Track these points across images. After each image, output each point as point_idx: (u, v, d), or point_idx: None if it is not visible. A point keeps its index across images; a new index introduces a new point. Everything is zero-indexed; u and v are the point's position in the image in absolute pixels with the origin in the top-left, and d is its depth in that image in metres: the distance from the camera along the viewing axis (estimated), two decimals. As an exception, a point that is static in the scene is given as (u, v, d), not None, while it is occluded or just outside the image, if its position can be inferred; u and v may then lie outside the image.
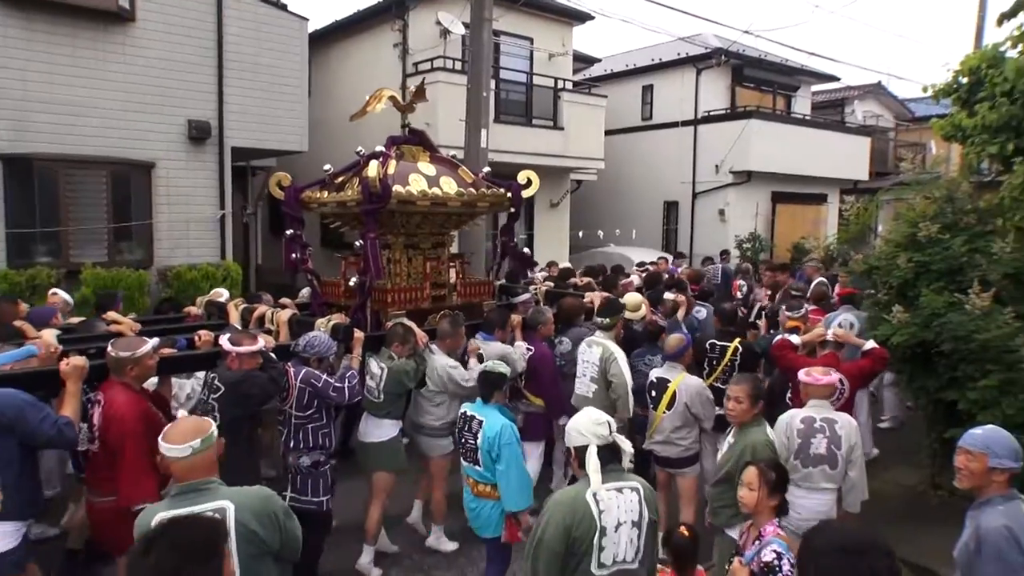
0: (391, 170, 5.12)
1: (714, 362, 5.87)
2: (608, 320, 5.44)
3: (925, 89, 7.32)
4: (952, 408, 5.58)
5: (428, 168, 5.59)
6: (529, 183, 6.05)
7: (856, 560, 2.09)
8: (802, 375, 4.42)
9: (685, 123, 17.83)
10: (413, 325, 5.01)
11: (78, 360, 3.70)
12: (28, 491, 3.44)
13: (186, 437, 2.47)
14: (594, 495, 2.69)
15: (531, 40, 14.49)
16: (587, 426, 2.82)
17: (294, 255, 5.44)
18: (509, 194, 5.93)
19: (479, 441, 4.02)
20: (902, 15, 65.20)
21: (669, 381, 5.06)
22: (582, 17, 15.10)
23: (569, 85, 14.88)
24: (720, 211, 17.24)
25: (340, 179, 5.56)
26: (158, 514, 2.38)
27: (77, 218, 9.23)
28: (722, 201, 17.27)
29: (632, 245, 15.75)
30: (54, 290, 6.56)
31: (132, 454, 3.63)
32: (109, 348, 3.83)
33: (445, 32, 13.08)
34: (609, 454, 2.79)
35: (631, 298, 6.31)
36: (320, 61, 15.78)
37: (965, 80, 6.82)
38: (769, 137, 16.68)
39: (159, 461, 2.56)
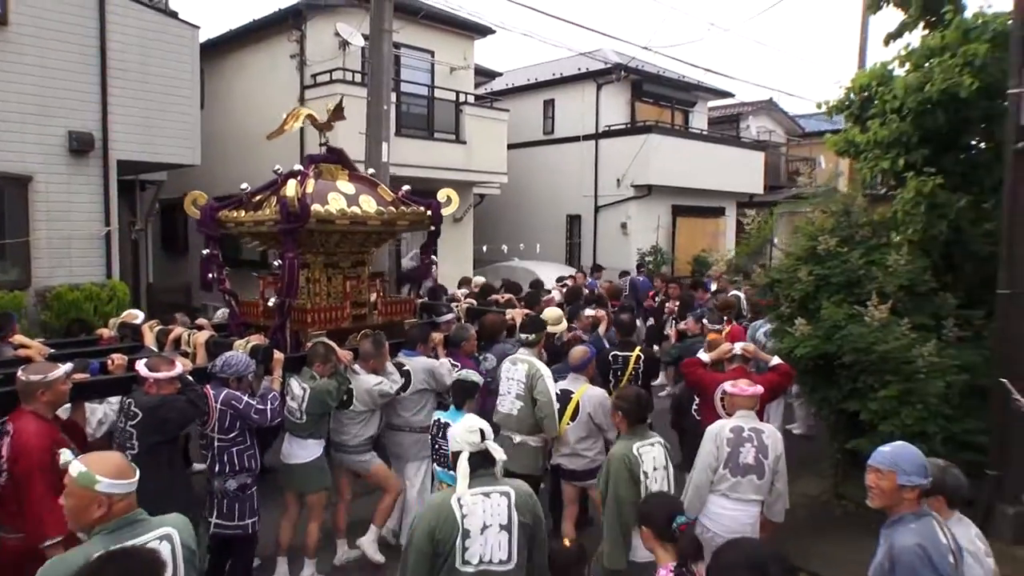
0: (309, 189, 5.06)
1: (618, 372, 5.95)
2: (532, 336, 5.47)
3: (819, 105, 7.68)
4: (854, 418, 5.77)
5: (347, 187, 5.53)
6: (449, 201, 6.07)
7: (759, 574, 2.31)
8: (728, 386, 4.51)
9: (586, 137, 18.19)
10: (334, 345, 5.00)
11: None
12: None
13: (128, 472, 2.41)
14: (458, 499, 2.85)
15: (432, 53, 14.46)
16: (461, 434, 2.97)
17: (211, 275, 5.37)
18: (429, 212, 5.93)
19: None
20: (792, 35, 69.14)
21: (572, 392, 5.09)
22: (483, 31, 15.19)
23: (471, 99, 14.92)
24: (622, 224, 17.64)
25: (257, 198, 5.44)
26: (92, 552, 2.23)
27: (-57, 235, 8.55)
28: (624, 215, 17.68)
29: (536, 259, 15.92)
30: None
31: (41, 488, 3.40)
32: (20, 373, 3.66)
33: (344, 43, 12.89)
34: (480, 460, 2.93)
35: (551, 313, 6.42)
36: (214, 71, 15.23)
37: (856, 97, 7.20)
38: (668, 151, 17.20)
39: (103, 506, 2.35)
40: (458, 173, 14.00)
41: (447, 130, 14.13)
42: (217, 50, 14.86)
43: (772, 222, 9.23)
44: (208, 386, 4.35)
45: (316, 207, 5.02)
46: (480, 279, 11.13)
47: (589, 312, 7.10)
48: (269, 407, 4.41)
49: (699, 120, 20.68)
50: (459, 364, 5.48)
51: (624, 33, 21.23)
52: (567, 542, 3.34)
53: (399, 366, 5.27)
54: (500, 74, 19.23)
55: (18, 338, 5.28)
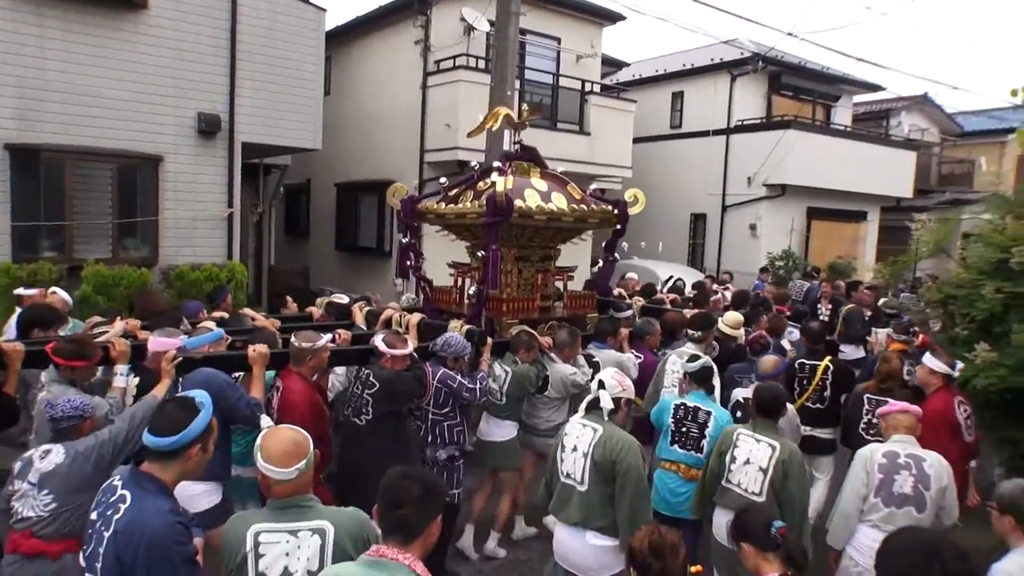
0: (509, 184, 5.29)
1: (804, 382, 5.80)
2: (700, 333, 5.68)
3: (1014, 93, 6.60)
4: None
5: (540, 184, 5.78)
6: (636, 200, 6.12)
7: (932, 558, 2.30)
8: (885, 407, 4.14)
9: (717, 132, 17.16)
10: (535, 333, 5.35)
11: (263, 348, 4.18)
12: (220, 457, 3.59)
13: (290, 460, 2.44)
14: (571, 423, 3.87)
15: (559, 40, 13.95)
16: (602, 377, 3.82)
17: (408, 263, 5.87)
18: (616, 211, 6.02)
19: (709, 429, 4.44)
20: (957, 22, 62.85)
21: None
22: (612, 17, 14.51)
23: (597, 88, 14.31)
24: (751, 226, 16.55)
25: (454, 191, 5.88)
26: (254, 525, 2.44)
27: (82, 212, 8.84)
28: (754, 215, 16.57)
29: (657, 259, 15.14)
30: (53, 289, 6.27)
31: None
32: (293, 339, 4.29)
33: (469, 29, 12.58)
34: (594, 404, 3.76)
35: (732, 317, 6.48)
36: (341, 58, 15.39)
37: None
38: (807, 149, 15.92)
39: (259, 479, 2.51)
40: (580, 165, 13.44)
41: (571, 120, 13.59)
42: (344, 37, 14.97)
43: (949, 229, 8.10)
44: (427, 364, 4.74)
45: (518, 202, 5.28)
46: (633, 275, 10.87)
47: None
48: (478, 386, 4.78)
49: (842, 116, 19.09)
50: (642, 356, 5.79)
51: (766, 19, 19.90)
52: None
53: (588, 358, 5.49)
54: (627, 64, 18.45)
55: (247, 311, 6.04)
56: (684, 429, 4.56)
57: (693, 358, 4.95)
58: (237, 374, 4.32)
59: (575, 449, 3.64)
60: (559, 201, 5.66)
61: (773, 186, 16.21)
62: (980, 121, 24.49)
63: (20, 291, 6.31)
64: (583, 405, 3.77)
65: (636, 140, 15.68)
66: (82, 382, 3.83)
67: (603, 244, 6.39)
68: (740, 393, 5.10)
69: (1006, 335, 5.04)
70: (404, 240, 5.89)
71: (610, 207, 6.02)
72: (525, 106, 6.40)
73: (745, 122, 16.90)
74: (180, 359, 3.90)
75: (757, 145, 16.17)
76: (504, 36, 9.39)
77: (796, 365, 5.86)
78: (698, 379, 4.70)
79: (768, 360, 5.23)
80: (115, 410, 3.71)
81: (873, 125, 20.71)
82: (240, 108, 9.73)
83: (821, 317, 9.77)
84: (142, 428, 2.72)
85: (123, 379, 3.98)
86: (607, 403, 3.65)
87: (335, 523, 2.46)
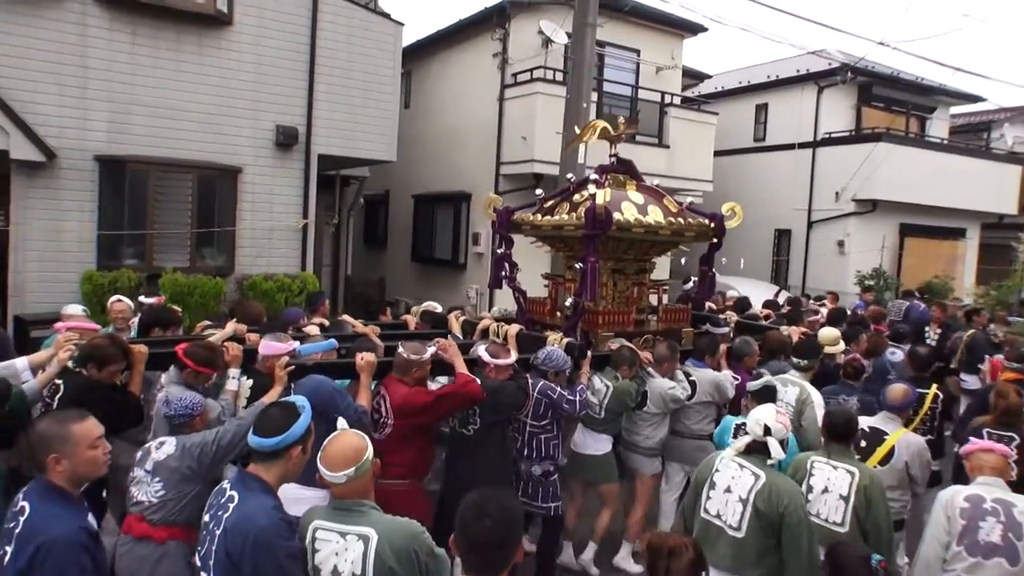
0: (607, 197, 5.30)
1: (910, 411, 5.26)
2: (806, 362, 5.42)
3: None
4: None
5: (637, 196, 5.73)
6: (734, 214, 6.00)
7: None
8: (967, 446, 3.74)
9: (802, 145, 16.48)
10: (636, 349, 5.27)
11: (371, 356, 4.19)
12: None
13: (343, 464, 2.50)
14: (721, 458, 3.55)
15: (638, 52, 13.65)
16: (755, 416, 3.49)
17: (503, 273, 5.92)
18: (712, 224, 5.92)
19: None
20: None
21: (886, 434, 4.51)
22: (694, 29, 14.13)
23: (677, 100, 13.92)
24: (839, 243, 15.77)
25: (550, 203, 5.87)
26: (315, 520, 2.58)
27: (163, 222, 9.07)
28: (842, 232, 15.80)
29: (739, 275, 14.56)
30: (117, 296, 6.29)
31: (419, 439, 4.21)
32: (400, 349, 4.23)
33: (547, 41, 12.44)
34: (757, 447, 3.43)
35: (829, 333, 6.26)
36: (420, 73, 15.53)
37: None
38: (899, 162, 15.07)
39: (318, 477, 2.58)
40: (659, 179, 13.06)
41: (650, 133, 13.25)
42: (424, 51, 15.09)
43: None
44: (528, 375, 4.71)
45: (615, 215, 5.23)
46: (734, 293, 10.45)
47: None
48: (579, 398, 4.69)
49: (938, 128, 18.06)
50: (739, 378, 5.51)
51: (855, 28, 19.06)
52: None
53: (686, 375, 5.38)
54: (709, 76, 17.94)
55: (346, 318, 6.03)
56: None
57: (757, 376, 4.95)
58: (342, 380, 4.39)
59: (728, 491, 3.42)
60: (656, 214, 5.62)
61: (863, 201, 15.43)
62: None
63: (142, 299, 6.55)
64: (739, 443, 3.50)
65: (718, 153, 15.21)
66: (201, 385, 4.01)
67: (700, 258, 6.24)
68: (869, 423, 4.65)
69: None
70: (499, 251, 5.89)
71: (707, 220, 5.93)
72: (621, 119, 6.29)
73: (833, 135, 16.16)
74: (293, 366, 4.02)
75: (846, 159, 15.44)
76: (580, 48, 9.20)
77: None
78: (759, 399, 4.44)
79: (897, 389, 4.67)
80: (227, 412, 3.89)
81: (973, 138, 19.54)
82: (317, 121, 9.84)
83: (928, 341, 9.32)
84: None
85: (235, 382, 4.11)
86: (777, 453, 3.40)
87: (381, 532, 2.49)
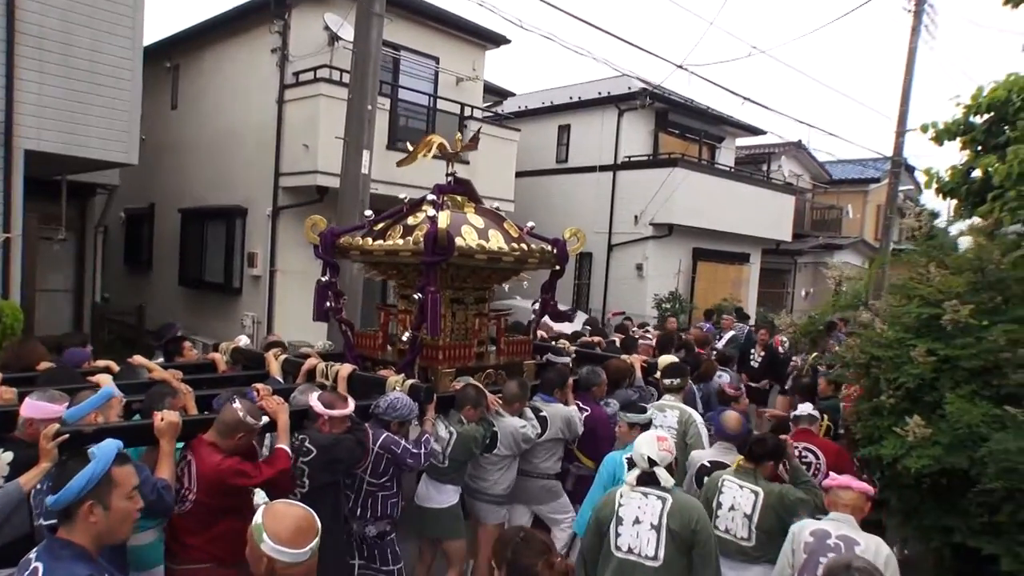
0: (447, 221, 4.84)
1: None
2: (678, 381, 5.44)
3: (924, 129, 5.84)
4: (984, 562, 4.08)
5: (477, 220, 5.28)
6: (576, 239, 5.83)
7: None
8: (829, 479, 3.74)
9: (604, 168, 16.36)
10: (483, 388, 4.92)
11: (172, 416, 3.48)
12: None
13: (302, 540, 2.15)
14: (620, 493, 3.61)
15: (437, 60, 12.67)
16: (639, 446, 3.65)
17: (328, 303, 5.36)
18: (555, 250, 5.63)
19: None
20: (832, 67, 66.78)
21: (727, 465, 4.34)
22: (496, 40, 13.43)
23: (478, 114, 13.08)
24: (638, 266, 15.75)
25: (380, 225, 5.34)
26: None
27: None
28: (640, 255, 15.79)
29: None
30: None
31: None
32: (236, 405, 3.55)
33: (334, 38, 11.10)
34: (646, 479, 3.56)
35: (668, 360, 6.08)
36: (189, 68, 13.56)
37: (980, 118, 5.37)
38: (693, 188, 15.33)
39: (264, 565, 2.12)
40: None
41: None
42: (195, 43, 13.20)
43: (871, 276, 7.35)
44: (367, 424, 4.24)
45: (457, 240, 4.79)
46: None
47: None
48: (423, 451, 4.30)
49: (726, 157, 18.85)
50: (588, 409, 5.35)
51: (655, 50, 19.43)
52: None
53: (536, 411, 5.09)
54: (513, 94, 17.40)
55: (138, 359, 4.95)
56: None
57: (627, 404, 4.92)
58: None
59: (638, 521, 3.43)
60: (497, 239, 5.19)
61: (660, 225, 15.52)
62: (846, 170, 25.35)
63: None
64: (630, 478, 3.56)
65: (521, 174, 14.61)
66: None
67: (542, 286, 5.97)
68: (706, 457, 4.69)
69: (939, 405, 4.27)
70: (323, 279, 5.35)
71: (549, 246, 5.62)
72: (458, 136, 6.06)
73: (632, 158, 16.16)
74: (65, 435, 3.14)
75: (644, 183, 15.47)
76: (365, 40, 7.97)
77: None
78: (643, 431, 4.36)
79: (732, 417, 4.68)
80: None
81: (755, 169, 20.67)
82: (22, 107, 7.67)
83: (752, 363, 9.60)
84: None
85: None
86: (667, 480, 3.49)
87: None
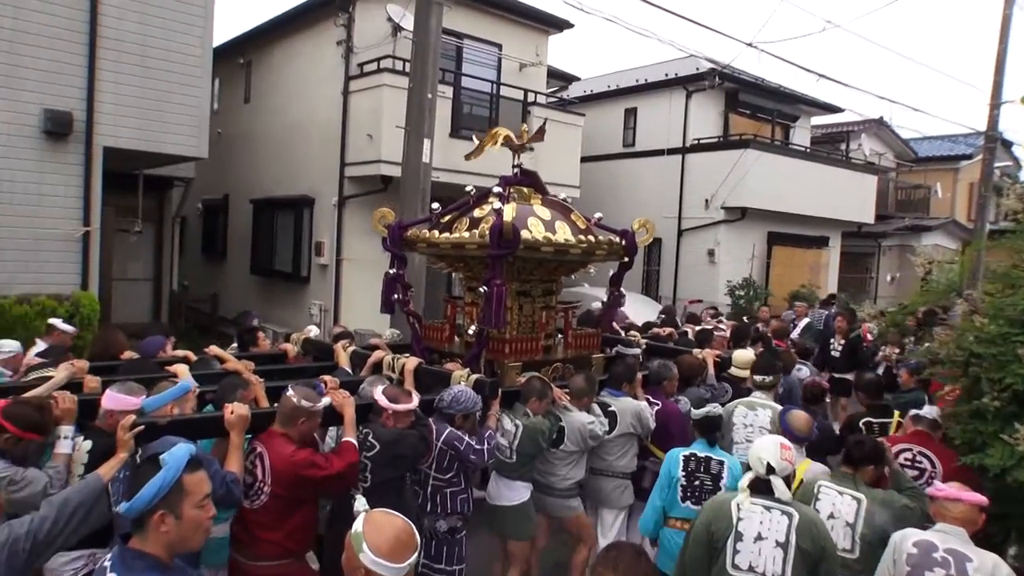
0: (513, 213, 4.77)
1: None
2: (770, 379, 5.32)
3: (1023, 100, 5.40)
4: None
5: (543, 212, 5.21)
6: (644, 231, 5.62)
7: None
8: (934, 488, 3.43)
9: (672, 151, 15.94)
10: (548, 381, 4.85)
11: (242, 409, 3.49)
12: None
13: (402, 554, 2.09)
14: (737, 504, 3.19)
15: (499, 47, 12.60)
16: (755, 452, 3.28)
17: (395, 295, 5.38)
18: (623, 242, 5.49)
19: (723, 481, 4.11)
20: (915, 41, 63.33)
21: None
22: (559, 24, 13.27)
23: (541, 99, 12.95)
24: (709, 251, 15.30)
25: (447, 218, 5.33)
26: None
27: None
28: (712, 240, 15.34)
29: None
30: (53, 321, 5.60)
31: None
32: (290, 392, 3.57)
33: (396, 28, 11.16)
34: (762, 486, 3.21)
35: (743, 356, 6.07)
36: (261, 64, 13.92)
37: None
38: (767, 170, 14.78)
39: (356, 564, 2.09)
40: (520, 184, 12.03)
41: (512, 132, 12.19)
42: (265, 39, 13.57)
43: (966, 262, 6.84)
44: (432, 420, 4.21)
45: (523, 233, 4.75)
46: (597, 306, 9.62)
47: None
48: (487, 447, 4.23)
49: (801, 137, 18.11)
50: (658, 403, 5.27)
51: (724, 30, 18.76)
52: None
53: (604, 406, 4.99)
54: (577, 79, 17.19)
55: (213, 349, 5.08)
56: (697, 483, 4.18)
57: (699, 404, 4.75)
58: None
59: (760, 538, 3.16)
60: (564, 231, 5.10)
61: (732, 209, 15.05)
62: (933, 147, 24.07)
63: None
64: (744, 485, 3.27)
65: (586, 159, 14.40)
66: (21, 451, 3.16)
67: (610, 278, 5.82)
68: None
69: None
70: (391, 272, 5.37)
71: (617, 237, 5.48)
72: (525, 126, 5.99)
73: (702, 140, 15.72)
74: (141, 427, 3.20)
75: (715, 165, 15.01)
76: (424, 29, 7.96)
77: (862, 425, 5.20)
78: (702, 428, 4.39)
79: (801, 417, 4.51)
80: (56, 484, 3.12)
81: (832, 148, 19.83)
82: (102, 106, 8.00)
83: (833, 352, 9.13)
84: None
85: (68, 443, 3.30)
86: (783, 492, 3.21)
87: None
